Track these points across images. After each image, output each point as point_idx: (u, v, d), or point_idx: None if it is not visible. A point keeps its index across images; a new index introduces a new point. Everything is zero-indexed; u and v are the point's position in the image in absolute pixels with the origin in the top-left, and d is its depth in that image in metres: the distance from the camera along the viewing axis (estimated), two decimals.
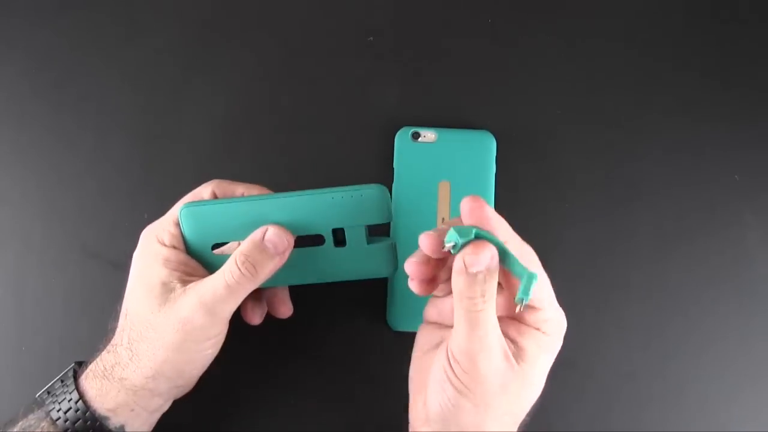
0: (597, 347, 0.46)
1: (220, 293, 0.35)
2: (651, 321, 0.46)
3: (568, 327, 0.46)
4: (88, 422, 0.35)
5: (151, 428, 0.39)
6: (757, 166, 0.48)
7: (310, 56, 0.50)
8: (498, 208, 0.47)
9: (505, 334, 0.33)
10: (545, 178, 0.48)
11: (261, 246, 0.36)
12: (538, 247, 0.47)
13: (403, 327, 0.45)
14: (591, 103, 0.49)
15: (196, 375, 0.38)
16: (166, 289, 0.36)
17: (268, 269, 0.36)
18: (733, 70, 0.49)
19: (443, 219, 0.46)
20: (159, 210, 0.40)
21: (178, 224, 0.38)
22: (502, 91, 0.49)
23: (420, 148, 0.47)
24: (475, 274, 0.31)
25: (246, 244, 0.36)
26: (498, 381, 0.32)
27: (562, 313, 0.35)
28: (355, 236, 0.37)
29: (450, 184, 0.47)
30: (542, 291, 0.33)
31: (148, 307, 0.36)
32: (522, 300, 0.31)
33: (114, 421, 0.36)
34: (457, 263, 0.31)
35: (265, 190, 0.40)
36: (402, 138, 0.47)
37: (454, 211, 0.46)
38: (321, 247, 0.38)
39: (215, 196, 0.39)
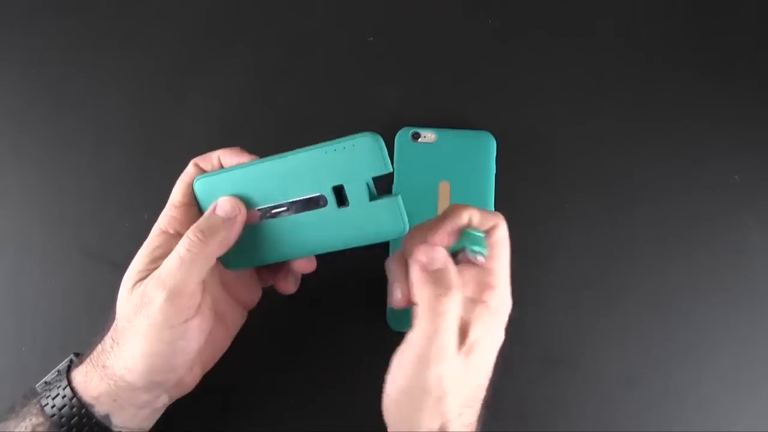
0: (597, 348, 0.46)
1: (174, 264, 0.35)
2: (651, 322, 0.46)
3: (568, 327, 0.46)
4: (74, 408, 0.35)
5: (148, 424, 0.39)
6: (758, 166, 0.48)
7: (309, 56, 0.50)
8: (498, 208, 0.47)
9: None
10: (545, 178, 0.48)
11: (210, 214, 0.36)
12: (538, 247, 0.47)
13: (403, 327, 0.45)
14: (591, 103, 0.49)
15: (171, 373, 0.37)
16: (139, 278, 0.36)
17: (219, 236, 0.36)
18: (733, 70, 0.49)
19: None
20: (159, 210, 0.40)
21: (178, 206, 0.38)
22: (502, 91, 0.49)
23: (420, 148, 0.47)
24: (435, 271, 0.35)
25: (201, 218, 0.37)
26: (433, 366, 0.34)
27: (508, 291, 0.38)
28: (357, 194, 0.35)
29: (450, 184, 0.47)
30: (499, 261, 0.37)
31: (121, 297, 0.36)
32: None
33: (99, 410, 0.36)
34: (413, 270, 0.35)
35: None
36: (402, 138, 0.47)
37: None
38: (324, 209, 0.36)
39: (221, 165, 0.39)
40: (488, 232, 0.36)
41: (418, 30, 0.50)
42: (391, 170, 0.34)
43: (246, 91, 0.49)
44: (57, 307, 0.46)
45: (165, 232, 0.37)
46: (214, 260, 0.36)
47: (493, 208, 0.46)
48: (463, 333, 0.34)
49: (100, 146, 0.48)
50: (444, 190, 0.47)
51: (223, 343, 0.41)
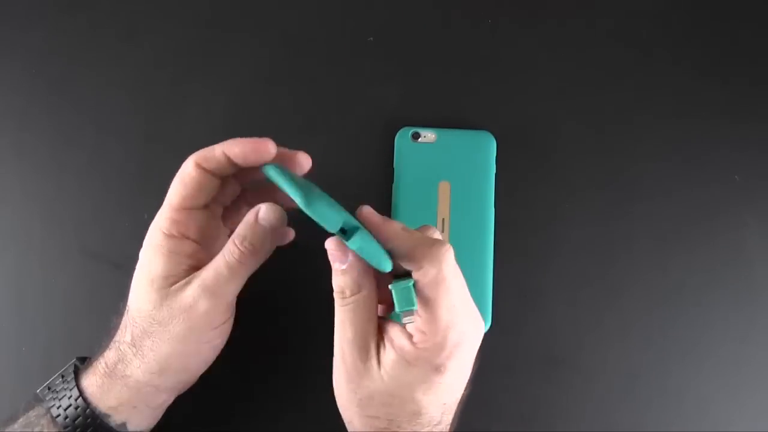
0: (597, 347, 0.46)
1: (223, 274, 0.35)
2: (651, 321, 0.46)
3: (568, 327, 0.46)
4: (88, 419, 0.35)
5: (154, 422, 0.39)
6: (757, 166, 0.48)
7: (310, 56, 0.50)
8: (498, 208, 0.47)
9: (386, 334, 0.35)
10: (545, 178, 0.48)
11: (255, 225, 0.36)
12: (538, 247, 0.47)
13: None
14: (591, 103, 0.49)
15: (201, 368, 0.38)
16: (168, 283, 0.35)
17: (266, 246, 0.36)
18: (733, 69, 0.49)
19: (443, 220, 0.46)
20: (159, 210, 0.40)
21: (179, 209, 0.37)
22: (502, 91, 0.49)
23: (420, 148, 0.47)
24: (337, 270, 0.34)
25: (242, 225, 0.36)
26: (354, 380, 0.34)
27: (456, 329, 0.33)
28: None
29: (450, 184, 0.47)
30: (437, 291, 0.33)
31: (151, 302, 0.35)
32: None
33: (116, 419, 0.36)
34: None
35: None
36: (402, 138, 0.47)
37: (454, 211, 0.46)
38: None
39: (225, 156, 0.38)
40: (419, 272, 0.33)
41: (418, 30, 0.50)
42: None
43: (247, 90, 0.49)
44: (57, 307, 0.46)
45: (171, 236, 0.36)
46: (257, 266, 0.36)
47: (493, 208, 0.46)
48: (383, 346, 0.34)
49: (100, 145, 0.48)
50: (444, 190, 0.47)
51: (223, 340, 0.41)
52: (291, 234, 0.42)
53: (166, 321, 0.35)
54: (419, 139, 0.47)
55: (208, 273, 0.35)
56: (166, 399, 0.38)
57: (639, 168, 0.48)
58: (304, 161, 0.39)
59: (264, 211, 0.36)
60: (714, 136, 0.48)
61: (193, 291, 0.35)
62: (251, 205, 0.41)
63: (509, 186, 0.47)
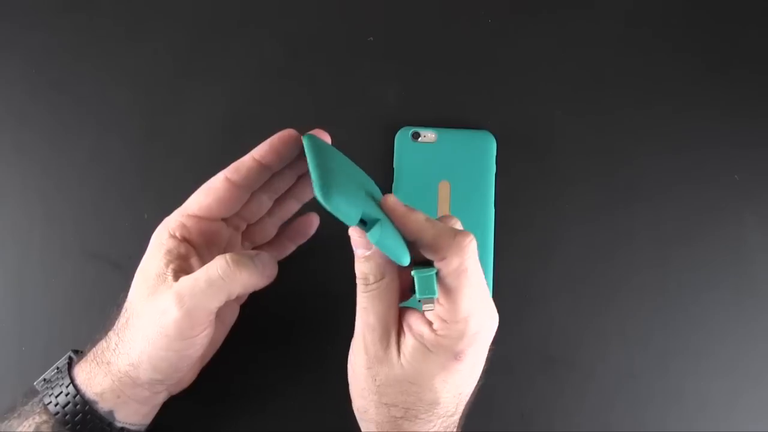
0: (597, 347, 0.46)
1: (199, 287, 0.34)
2: (651, 321, 0.46)
3: (567, 326, 0.46)
4: (78, 406, 0.35)
5: (148, 420, 0.39)
6: (757, 165, 0.48)
7: (310, 56, 0.50)
8: (498, 208, 0.47)
9: (407, 322, 0.35)
10: (545, 178, 0.48)
11: (253, 258, 0.36)
12: (538, 247, 0.47)
13: None
14: (591, 103, 0.49)
15: (175, 374, 0.37)
16: (159, 281, 0.35)
17: (251, 279, 0.35)
18: (733, 69, 0.49)
19: None
20: (159, 210, 0.40)
21: (191, 216, 0.38)
22: (502, 91, 0.49)
23: (420, 148, 0.47)
24: (360, 257, 0.34)
25: (236, 254, 0.36)
26: (375, 366, 0.34)
27: (476, 320, 0.33)
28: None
29: (450, 184, 0.47)
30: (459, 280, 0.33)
31: (140, 296, 0.36)
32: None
33: (102, 406, 0.36)
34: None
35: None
36: (402, 138, 0.47)
37: (454, 211, 0.46)
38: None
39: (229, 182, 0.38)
40: (442, 263, 0.33)
41: (418, 30, 0.50)
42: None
43: (247, 90, 0.49)
44: (57, 307, 0.46)
45: (173, 237, 0.37)
46: (239, 291, 0.35)
47: (493, 208, 0.47)
48: (400, 335, 0.35)
49: (100, 145, 0.48)
50: (444, 189, 0.47)
51: (220, 339, 0.41)
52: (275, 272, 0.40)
53: (146, 318, 0.35)
54: (419, 139, 0.47)
55: (186, 281, 0.34)
56: (149, 396, 0.37)
57: (639, 167, 0.48)
58: (324, 138, 0.39)
59: (266, 257, 0.37)
60: (714, 135, 0.49)
61: (169, 296, 0.34)
62: (275, 224, 0.42)
63: (509, 186, 0.47)
